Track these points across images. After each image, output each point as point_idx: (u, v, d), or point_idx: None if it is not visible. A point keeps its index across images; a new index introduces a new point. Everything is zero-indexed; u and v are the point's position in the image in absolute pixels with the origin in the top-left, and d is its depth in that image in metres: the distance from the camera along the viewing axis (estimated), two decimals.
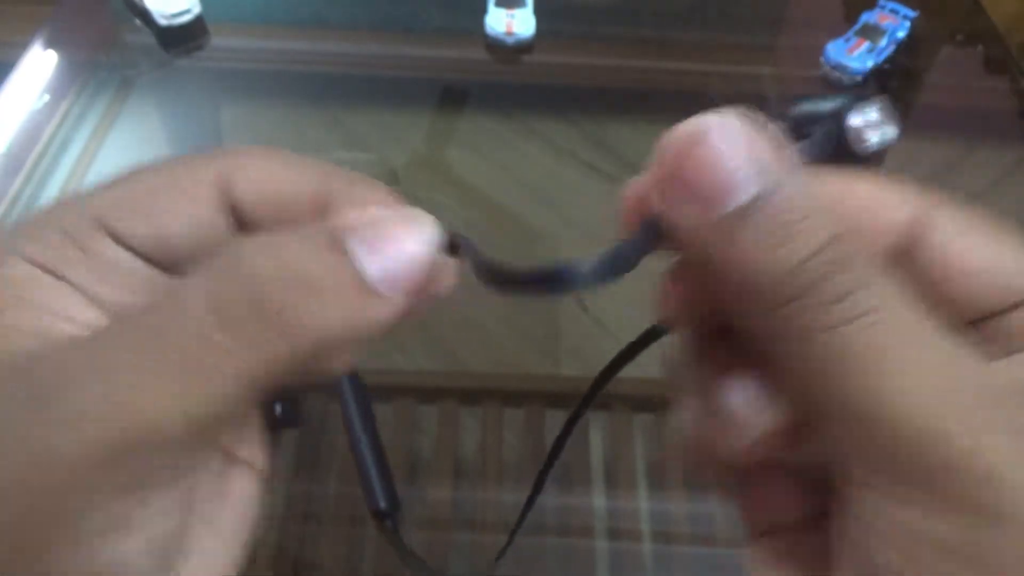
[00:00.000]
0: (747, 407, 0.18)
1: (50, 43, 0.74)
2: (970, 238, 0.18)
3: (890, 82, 0.75)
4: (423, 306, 0.20)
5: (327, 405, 0.61)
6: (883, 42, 0.73)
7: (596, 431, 0.58)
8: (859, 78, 0.72)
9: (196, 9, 0.74)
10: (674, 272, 0.19)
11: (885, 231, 0.18)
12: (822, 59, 0.74)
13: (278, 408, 0.29)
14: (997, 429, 0.15)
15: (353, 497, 0.57)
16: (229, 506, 0.21)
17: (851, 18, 0.76)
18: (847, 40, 0.74)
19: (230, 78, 0.75)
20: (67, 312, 0.19)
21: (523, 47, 0.75)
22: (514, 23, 0.74)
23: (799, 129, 0.19)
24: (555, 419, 0.59)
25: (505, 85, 0.76)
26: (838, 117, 0.18)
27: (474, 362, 0.64)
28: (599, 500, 0.55)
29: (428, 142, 0.70)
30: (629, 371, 0.57)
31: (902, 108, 0.75)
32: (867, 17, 0.75)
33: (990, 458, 0.14)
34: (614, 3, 0.82)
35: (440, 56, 0.77)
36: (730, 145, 0.15)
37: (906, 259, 0.18)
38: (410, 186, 0.67)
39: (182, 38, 0.74)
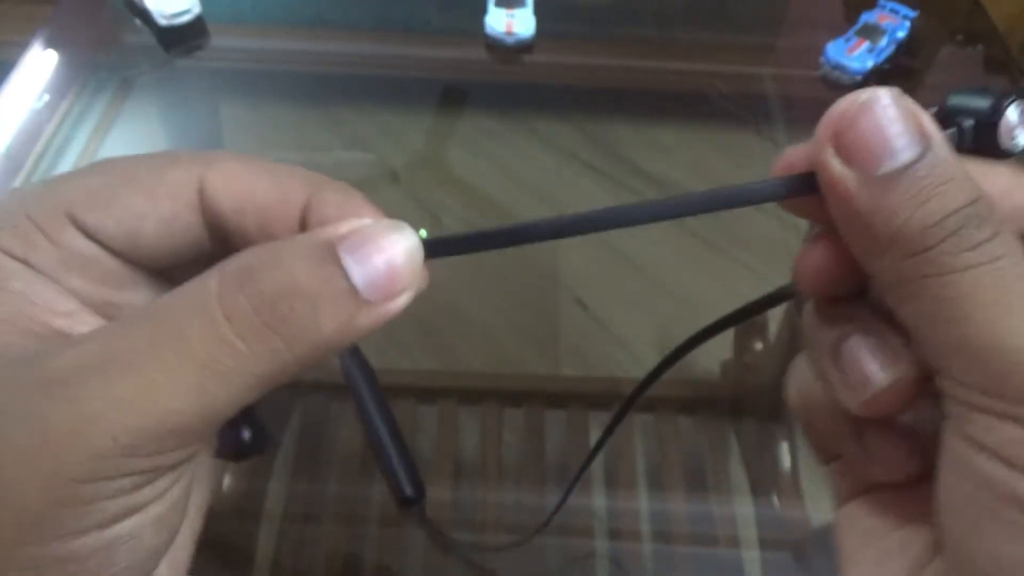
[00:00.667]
0: (872, 361, 0.20)
1: (50, 43, 0.74)
2: None
3: (890, 82, 0.74)
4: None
5: (327, 405, 0.61)
6: (883, 42, 0.73)
7: (596, 431, 0.58)
8: (859, 78, 0.72)
9: (196, 9, 0.74)
10: (814, 237, 0.21)
11: (1018, 215, 0.19)
12: (822, 59, 0.74)
13: (245, 434, 0.29)
14: None
15: (353, 497, 0.57)
16: (199, 485, 0.22)
17: (851, 18, 0.76)
18: (847, 40, 0.74)
19: (230, 78, 0.75)
20: (46, 302, 0.20)
21: (523, 47, 0.75)
22: (514, 23, 0.74)
23: (949, 118, 0.21)
24: (555, 419, 0.59)
25: (505, 85, 0.76)
26: (995, 110, 0.19)
27: (474, 362, 0.64)
28: (599, 500, 0.55)
29: (428, 142, 0.70)
30: (629, 371, 0.57)
31: None
32: (867, 17, 0.75)
33: None
34: (614, 3, 0.82)
35: (440, 56, 0.77)
36: (893, 115, 0.18)
37: None
38: (410, 186, 0.67)
39: (182, 38, 0.74)
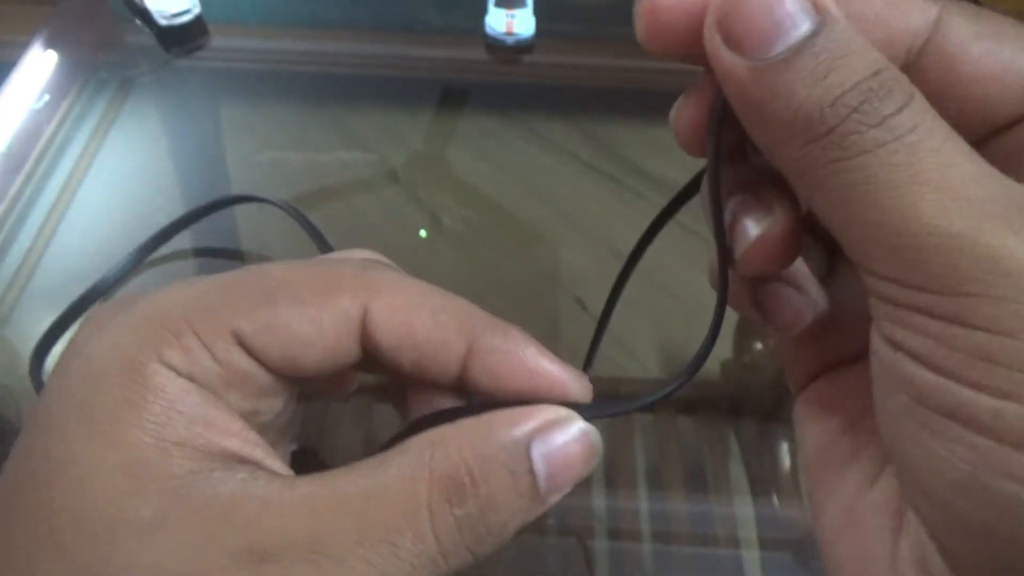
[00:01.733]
0: (747, 215, 0.20)
1: (50, 43, 0.74)
2: (986, 40, 0.18)
3: None
4: None
5: (326, 406, 0.61)
6: None
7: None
8: None
9: (196, 9, 0.74)
10: (687, 93, 0.21)
11: (900, 39, 0.18)
12: None
13: None
14: (1015, 227, 0.15)
15: None
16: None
17: None
18: None
19: (230, 78, 0.75)
20: (215, 421, 0.19)
21: (523, 47, 0.75)
22: (514, 23, 0.74)
23: None
24: None
25: (505, 85, 0.76)
26: None
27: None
28: (599, 500, 0.55)
29: (428, 142, 0.70)
30: (629, 371, 0.57)
31: None
32: None
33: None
34: (614, 3, 0.82)
35: (440, 56, 0.77)
36: None
37: (919, 68, 0.18)
38: (410, 185, 0.67)
39: (182, 38, 0.74)
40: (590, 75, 0.76)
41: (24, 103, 0.69)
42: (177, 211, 0.65)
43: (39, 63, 0.73)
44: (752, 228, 0.19)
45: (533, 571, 0.52)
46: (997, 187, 0.15)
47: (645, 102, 0.75)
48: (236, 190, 0.68)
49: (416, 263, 0.65)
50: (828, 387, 0.23)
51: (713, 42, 0.17)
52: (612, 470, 0.55)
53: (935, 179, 0.15)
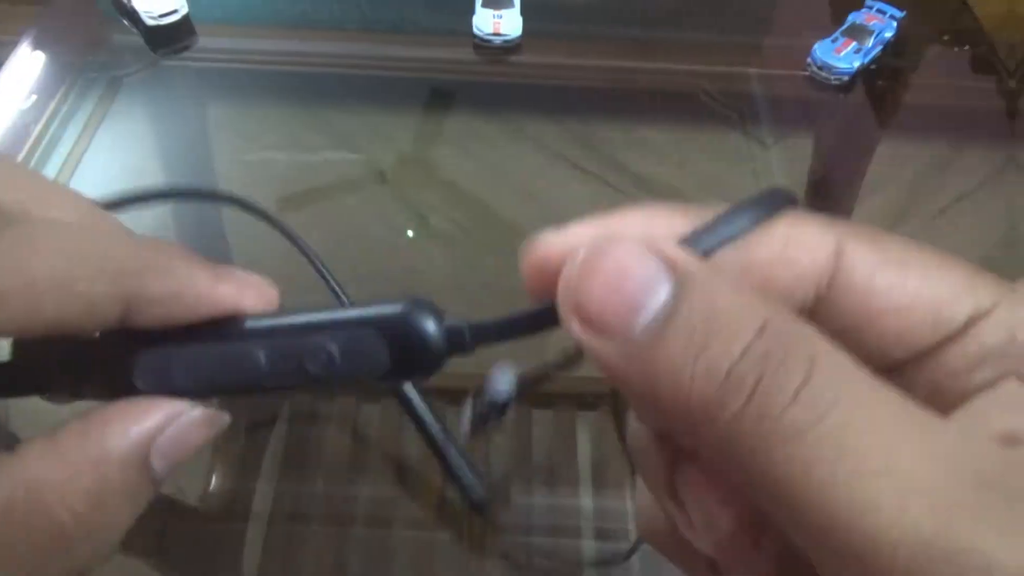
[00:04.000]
0: (708, 502, 0.16)
1: (38, 43, 0.74)
2: (892, 268, 0.16)
3: (877, 82, 0.75)
4: None
5: (314, 404, 0.61)
6: (870, 42, 0.74)
7: (583, 430, 0.58)
8: (846, 78, 0.73)
9: (183, 9, 0.74)
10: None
11: (805, 277, 0.16)
12: (809, 59, 0.74)
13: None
14: (1010, 523, 0.12)
15: (341, 497, 0.57)
16: None
17: (838, 18, 0.77)
18: (834, 40, 0.74)
19: (218, 78, 0.75)
20: None
21: (510, 47, 0.75)
22: (501, 23, 0.74)
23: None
24: (542, 419, 0.59)
25: (492, 85, 0.76)
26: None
27: (471, 362, 0.64)
28: (586, 500, 0.55)
29: (416, 142, 0.70)
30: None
31: (888, 108, 0.75)
32: (854, 17, 0.76)
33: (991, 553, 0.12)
34: (601, 3, 0.82)
35: (427, 56, 0.77)
36: (624, 261, 0.14)
37: (829, 305, 0.16)
38: (398, 186, 0.67)
39: (169, 38, 0.74)
40: (577, 75, 0.76)
41: (12, 103, 0.69)
42: (165, 211, 0.66)
43: (27, 63, 0.72)
44: (724, 519, 0.16)
45: (521, 571, 0.52)
46: (950, 458, 0.13)
47: (632, 102, 0.75)
48: (224, 190, 0.68)
49: (403, 263, 0.65)
50: None
51: (571, 326, 0.15)
52: (599, 470, 0.55)
53: (881, 466, 0.12)
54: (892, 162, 0.71)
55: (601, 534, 0.52)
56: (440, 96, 0.73)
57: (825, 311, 0.16)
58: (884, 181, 0.70)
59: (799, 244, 0.16)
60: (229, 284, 0.19)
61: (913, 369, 0.16)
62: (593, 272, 0.15)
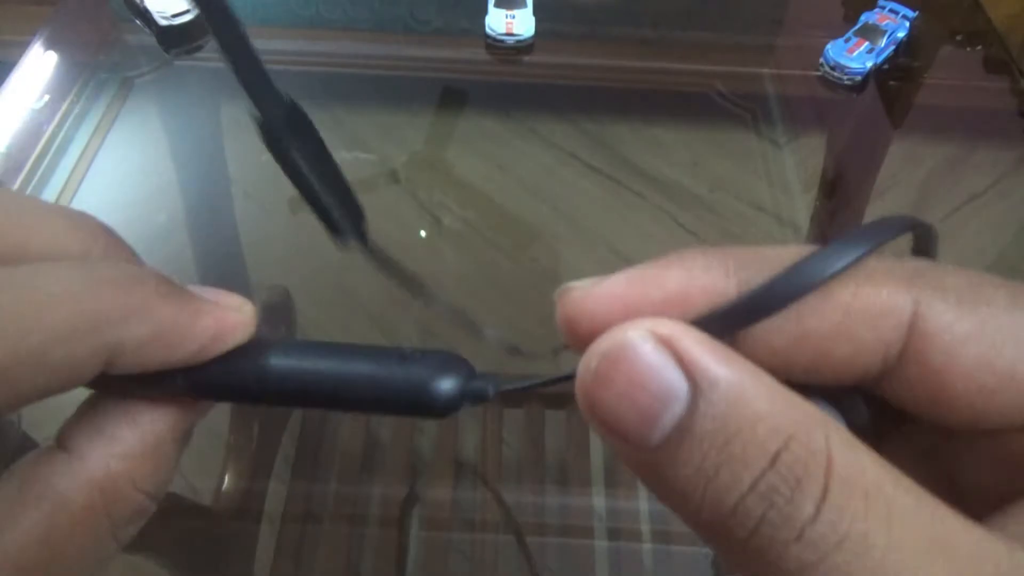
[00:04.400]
0: None
1: (50, 43, 0.74)
2: (981, 344, 0.14)
3: (889, 82, 0.75)
4: None
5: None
6: (883, 42, 0.73)
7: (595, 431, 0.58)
8: (859, 78, 0.72)
9: (196, 9, 0.74)
10: None
11: (865, 353, 0.15)
12: (822, 59, 0.74)
13: None
14: None
15: (353, 497, 0.57)
16: None
17: (851, 18, 0.77)
18: (847, 40, 0.74)
19: (230, 79, 0.75)
20: None
21: (523, 47, 0.75)
22: (514, 23, 0.74)
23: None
24: (554, 419, 0.59)
25: (505, 85, 0.76)
26: None
27: (473, 362, 0.64)
28: (599, 500, 0.55)
29: (428, 142, 0.70)
30: None
31: (901, 108, 0.75)
32: (867, 17, 0.75)
33: None
34: (614, 3, 0.82)
35: (440, 56, 0.77)
36: (639, 368, 0.14)
37: (898, 377, 0.15)
38: (410, 186, 0.67)
39: (182, 38, 0.74)
40: (590, 75, 0.76)
41: (24, 103, 0.69)
42: (177, 211, 0.66)
43: (39, 63, 0.73)
44: None
45: (533, 571, 0.52)
46: None
47: (644, 102, 0.75)
48: (237, 190, 0.69)
49: (416, 263, 0.65)
50: None
51: (592, 422, 0.14)
52: (612, 470, 0.55)
53: None
54: (905, 162, 0.71)
55: (614, 534, 0.52)
56: (453, 96, 0.73)
57: (893, 383, 0.15)
58: (897, 181, 0.70)
59: (864, 315, 0.14)
60: (209, 317, 0.18)
61: (990, 441, 0.15)
62: (608, 383, 0.14)
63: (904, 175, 0.70)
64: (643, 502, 0.53)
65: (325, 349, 0.19)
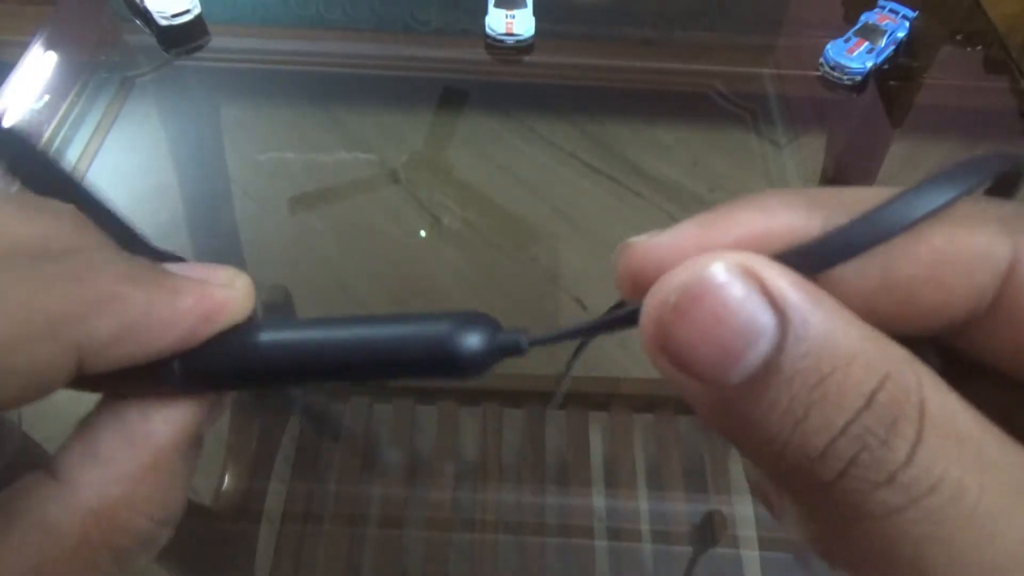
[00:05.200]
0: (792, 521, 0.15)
1: (50, 43, 0.74)
2: None
3: (889, 82, 0.75)
4: None
5: (326, 405, 0.62)
6: (883, 42, 0.73)
7: (596, 431, 0.58)
8: (859, 78, 0.72)
9: (196, 9, 0.74)
10: None
11: (955, 300, 0.14)
12: (821, 59, 0.73)
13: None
14: None
15: (353, 497, 0.57)
16: None
17: (851, 18, 0.76)
18: (847, 40, 0.74)
19: (230, 78, 0.75)
20: None
21: (523, 47, 0.75)
22: (514, 23, 0.74)
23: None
24: (554, 419, 0.59)
25: (505, 85, 0.76)
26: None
27: None
28: (599, 500, 0.55)
29: (428, 142, 0.70)
30: (629, 371, 0.57)
31: (901, 108, 0.75)
32: (867, 17, 0.75)
33: None
34: (613, 3, 0.82)
35: (440, 56, 0.77)
36: (724, 301, 0.13)
37: (989, 327, 0.14)
38: (410, 186, 0.67)
39: (182, 38, 0.74)
40: (589, 75, 0.76)
41: (24, 103, 0.69)
42: (178, 210, 0.66)
43: (39, 63, 0.73)
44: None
45: (533, 571, 0.52)
46: None
47: (644, 102, 0.75)
48: (237, 190, 0.69)
49: (416, 263, 0.65)
50: None
51: (659, 362, 0.13)
52: (612, 470, 0.55)
53: (978, 559, 0.11)
54: (905, 162, 0.71)
55: (613, 534, 0.52)
56: (453, 96, 0.73)
57: (978, 333, 0.14)
58: (897, 181, 0.70)
59: (958, 260, 0.13)
60: (190, 296, 0.17)
61: None
62: (688, 317, 0.13)
63: (904, 175, 0.70)
64: (643, 502, 0.53)
65: (334, 320, 0.18)
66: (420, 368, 0.17)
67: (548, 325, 0.61)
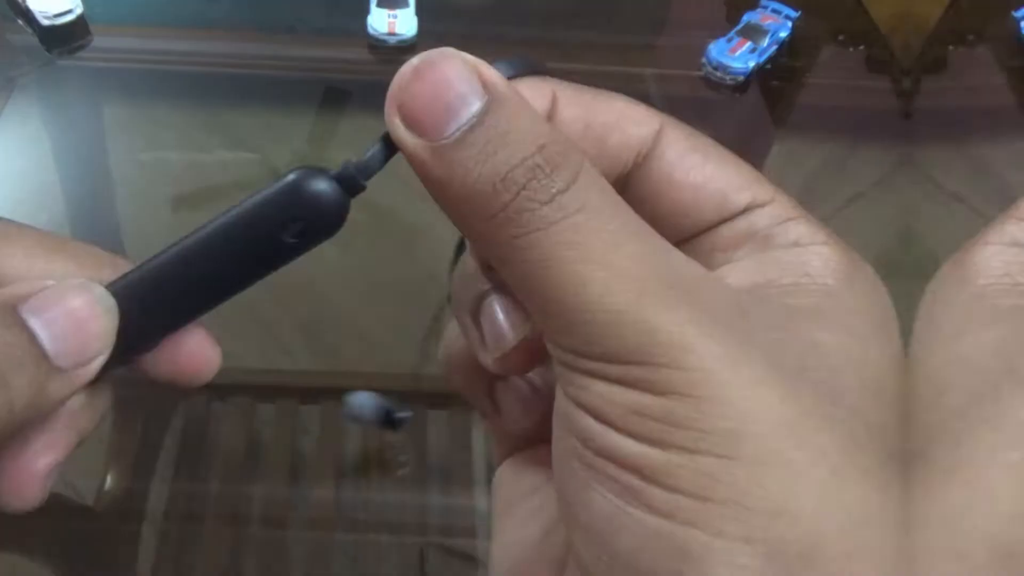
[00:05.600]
0: (505, 320, 0.20)
1: None
2: (697, 155, 0.20)
3: (772, 82, 0.75)
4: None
5: (208, 404, 0.62)
6: (765, 42, 0.74)
7: (478, 431, 0.59)
8: (741, 78, 0.73)
9: (78, 9, 0.74)
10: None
11: (629, 144, 0.19)
12: (704, 59, 0.74)
13: None
14: (684, 310, 0.16)
15: (236, 497, 0.57)
16: None
17: (733, 18, 0.77)
18: (729, 40, 0.74)
19: (113, 78, 0.75)
20: None
21: (405, 47, 0.75)
22: (396, 23, 0.74)
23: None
24: (438, 418, 0.59)
25: (387, 85, 0.76)
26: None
27: (356, 362, 0.64)
28: (481, 500, 0.55)
29: (311, 142, 0.70)
30: None
31: (784, 108, 0.76)
32: (749, 17, 0.76)
33: (675, 335, 0.16)
34: (496, 3, 0.82)
35: (322, 56, 0.77)
36: (448, 74, 0.17)
37: (644, 172, 0.20)
38: None
39: (64, 38, 0.74)
40: None
41: None
42: (59, 210, 0.66)
43: None
44: (511, 333, 0.20)
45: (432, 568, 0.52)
46: (656, 264, 0.17)
47: None
48: (119, 190, 0.69)
49: (298, 264, 0.65)
50: (526, 456, 0.24)
51: (395, 126, 0.17)
52: (492, 469, 0.56)
53: (601, 258, 0.16)
54: (787, 162, 0.72)
55: None
56: (335, 96, 0.74)
57: (637, 179, 0.20)
58: (779, 180, 0.69)
59: (631, 118, 0.20)
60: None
61: (694, 242, 0.20)
62: (422, 79, 0.17)
63: (787, 174, 0.71)
64: None
65: (185, 237, 0.20)
66: (289, 226, 0.19)
67: (429, 325, 0.62)
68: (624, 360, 0.16)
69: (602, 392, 0.17)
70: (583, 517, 0.17)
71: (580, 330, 0.17)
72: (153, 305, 0.20)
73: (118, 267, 0.21)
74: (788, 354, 0.17)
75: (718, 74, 0.73)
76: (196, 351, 0.21)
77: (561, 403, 0.18)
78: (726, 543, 0.15)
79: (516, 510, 0.23)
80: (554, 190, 0.16)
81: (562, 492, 0.18)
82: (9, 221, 0.21)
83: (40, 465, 0.20)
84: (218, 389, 0.62)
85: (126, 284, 0.20)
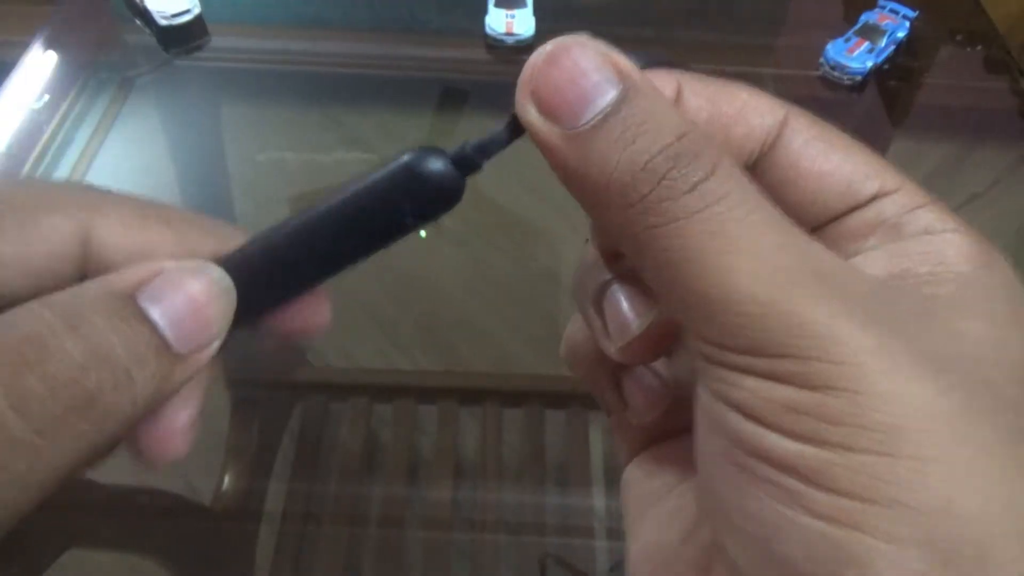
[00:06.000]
0: (630, 308, 0.20)
1: (50, 43, 0.74)
2: (823, 143, 0.19)
3: (889, 82, 0.75)
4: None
5: (327, 405, 0.61)
6: (883, 42, 0.73)
7: (596, 431, 0.58)
8: (859, 78, 0.73)
9: (196, 9, 0.74)
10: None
11: (754, 134, 0.19)
12: (822, 59, 0.74)
13: None
14: (833, 302, 0.16)
15: (353, 497, 0.57)
16: None
17: (851, 18, 0.76)
18: (847, 40, 0.74)
19: (230, 78, 0.75)
20: None
21: (523, 47, 0.75)
22: (514, 23, 0.74)
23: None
24: (555, 419, 0.59)
25: (505, 85, 0.75)
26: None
27: (475, 362, 0.64)
28: (599, 500, 0.55)
29: (428, 142, 0.70)
30: None
31: (901, 108, 0.75)
32: (867, 17, 0.75)
33: (826, 327, 0.15)
34: (614, 3, 0.82)
35: (440, 56, 0.77)
36: (584, 62, 0.17)
37: (769, 161, 0.20)
38: None
39: (182, 38, 0.74)
40: None
41: (24, 103, 0.69)
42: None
43: (39, 63, 0.73)
44: (635, 321, 0.20)
45: (533, 570, 0.52)
46: (800, 254, 0.16)
47: None
48: (236, 189, 0.69)
49: (417, 262, 0.65)
50: (655, 455, 0.24)
51: (527, 113, 0.17)
52: (612, 470, 0.55)
53: (746, 248, 0.16)
54: (905, 162, 0.71)
55: (613, 534, 0.53)
56: (452, 96, 0.73)
57: (762, 169, 0.19)
58: None
59: (755, 108, 0.19)
60: (199, 232, 0.20)
61: (821, 233, 0.19)
62: (557, 65, 0.17)
63: (904, 175, 0.70)
64: None
65: (305, 210, 0.20)
66: (404, 203, 0.19)
67: (548, 325, 0.62)
68: (772, 353, 0.16)
69: (752, 388, 0.16)
70: (739, 522, 0.17)
71: (725, 322, 0.16)
72: (267, 280, 0.20)
73: (220, 235, 0.20)
74: (935, 345, 0.16)
75: (836, 74, 0.73)
76: (308, 310, 0.21)
77: (705, 400, 0.17)
78: (895, 547, 0.14)
79: (652, 511, 0.22)
80: (695, 179, 0.16)
81: (713, 495, 0.18)
82: (106, 191, 0.20)
83: (181, 420, 0.19)
84: (336, 389, 0.62)
85: (242, 260, 0.20)
